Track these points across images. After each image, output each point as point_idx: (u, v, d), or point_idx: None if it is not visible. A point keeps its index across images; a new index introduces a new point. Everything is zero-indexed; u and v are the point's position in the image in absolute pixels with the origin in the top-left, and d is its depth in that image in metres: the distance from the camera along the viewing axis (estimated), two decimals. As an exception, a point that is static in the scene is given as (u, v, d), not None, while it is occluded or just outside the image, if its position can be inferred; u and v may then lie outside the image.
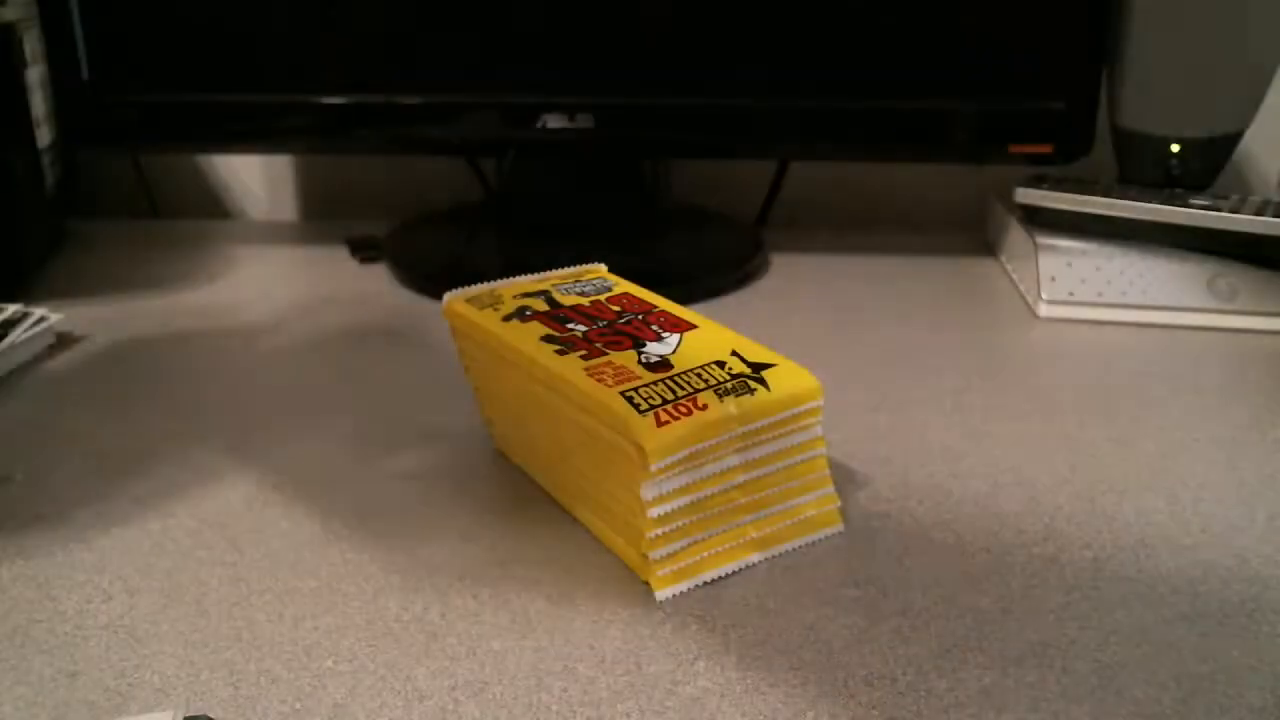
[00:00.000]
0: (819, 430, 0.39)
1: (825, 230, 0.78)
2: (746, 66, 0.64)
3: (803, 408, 0.38)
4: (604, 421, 0.36)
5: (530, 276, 0.47)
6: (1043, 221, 0.66)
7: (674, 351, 0.39)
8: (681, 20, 0.63)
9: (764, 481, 0.38)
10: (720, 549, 0.38)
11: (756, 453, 0.38)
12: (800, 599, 0.36)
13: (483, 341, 0.42)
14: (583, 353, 0.39)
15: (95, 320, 0.60)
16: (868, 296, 0.65)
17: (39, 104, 0.67)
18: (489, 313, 0.42)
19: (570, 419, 0.38)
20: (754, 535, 0.38)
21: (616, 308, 0.43)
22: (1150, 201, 0.62)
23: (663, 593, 0.36)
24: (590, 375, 0.37)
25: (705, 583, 0.37)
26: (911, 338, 0.59)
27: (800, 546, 0.39)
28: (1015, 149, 0.65)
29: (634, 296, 0.44)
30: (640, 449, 0.35)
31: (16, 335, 0.54)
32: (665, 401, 0.36)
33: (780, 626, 0.35)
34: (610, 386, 0.37)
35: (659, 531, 0.36)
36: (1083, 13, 0.62)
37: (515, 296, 0.44)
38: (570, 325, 0.41)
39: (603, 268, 0.48)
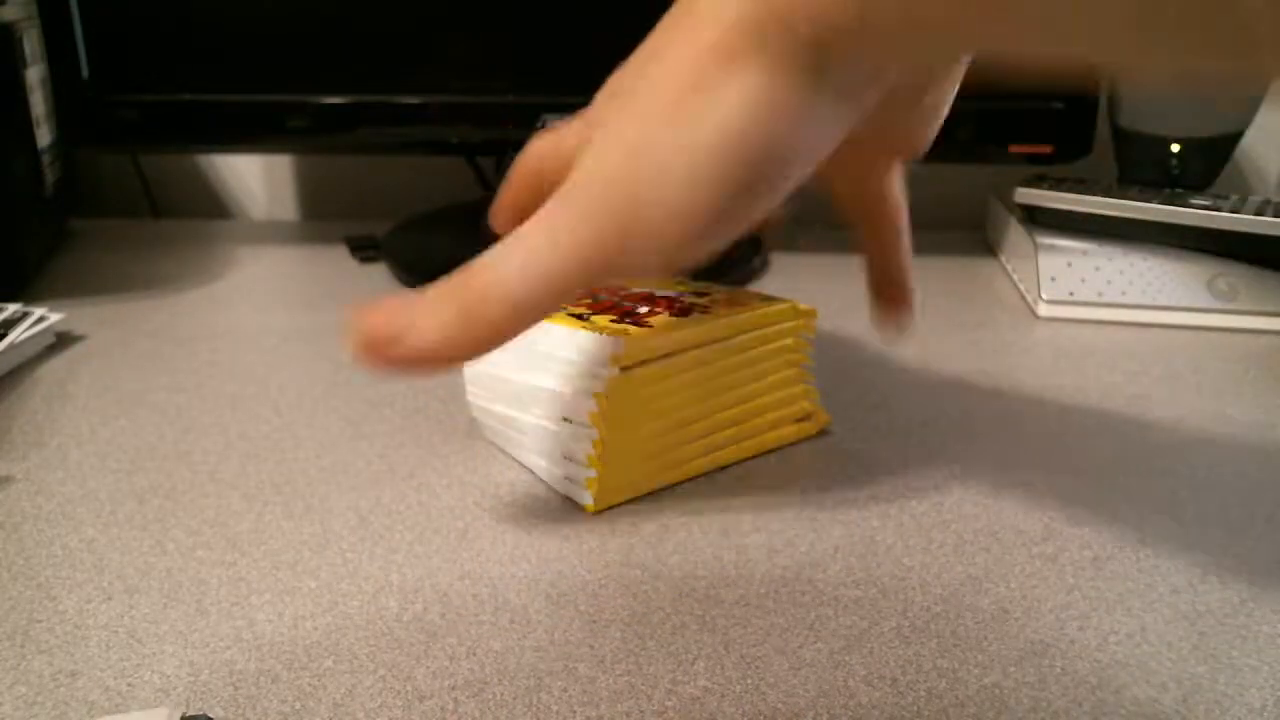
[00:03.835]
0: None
1: (825, 230, 0.78)
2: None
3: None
4: (749, 319, 0.43)
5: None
6: (1043, 221, 0.66)
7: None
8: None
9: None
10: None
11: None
12: (800, 599, 0.36)
13: None
14: (612, 317, 0.41)
15: (95, 320, 0.60)
16: (867, 297, 0.65)
17: (39, 104, 0.67)
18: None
19: (697, 356, 0.42)
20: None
21: (616, 297, 0.44)
22: (1150, 201, 0.62)
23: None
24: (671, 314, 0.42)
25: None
26: (911, 337, 0.59)
27: (800, 546, 0.39)
28: (1015, 149, 0.65)
29: (632, 290, 0.45)
30: (804, 311, 0.45)
31: (16, 335, 0.54)
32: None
33: (780, 626, 0.35)
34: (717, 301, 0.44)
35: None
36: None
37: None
38: (574, 307, 0.42)
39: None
